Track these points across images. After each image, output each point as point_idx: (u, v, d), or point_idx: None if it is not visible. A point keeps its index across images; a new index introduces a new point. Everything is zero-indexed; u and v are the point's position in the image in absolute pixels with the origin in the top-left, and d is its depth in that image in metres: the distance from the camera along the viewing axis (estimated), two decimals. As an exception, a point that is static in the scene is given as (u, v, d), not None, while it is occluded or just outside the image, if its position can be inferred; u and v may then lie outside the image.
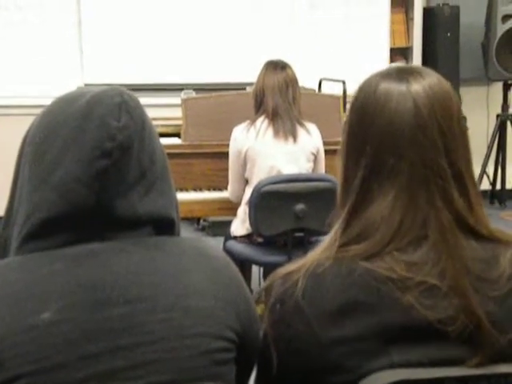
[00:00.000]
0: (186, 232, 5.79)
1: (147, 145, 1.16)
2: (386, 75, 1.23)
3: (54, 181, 1.11)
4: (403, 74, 1.22)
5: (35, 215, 1.11)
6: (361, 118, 1.22)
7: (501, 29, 6.37)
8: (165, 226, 1.19)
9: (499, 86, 6.66)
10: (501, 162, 6.70)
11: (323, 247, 1.21)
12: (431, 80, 1.21)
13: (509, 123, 6.56)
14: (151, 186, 1.16)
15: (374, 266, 1.13)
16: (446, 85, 1.23)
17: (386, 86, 1.20)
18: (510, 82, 6.56)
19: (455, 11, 6.50)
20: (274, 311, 1.19)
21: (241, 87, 4.93)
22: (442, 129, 1.18)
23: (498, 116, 6.59)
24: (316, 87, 5.01)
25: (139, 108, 1.17)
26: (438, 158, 1.17)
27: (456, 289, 1.13)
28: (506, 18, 6.37)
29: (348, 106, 1.32)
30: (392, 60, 6.69)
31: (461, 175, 1.19)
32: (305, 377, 1.17)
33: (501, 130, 6.59)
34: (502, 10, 6.36)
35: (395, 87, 1.20)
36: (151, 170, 1.16)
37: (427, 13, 6.67)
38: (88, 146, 1.10)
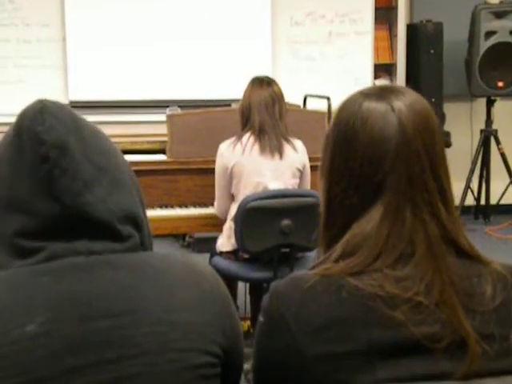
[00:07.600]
0: (172, 248, 5.77)
1: (93, 142, 1.17)
2: (367, 94, 1.25)
3: (15, 203, 1.12)
4: (384, 93, 1.25)
5: (9, 238, 1.12)
6: (344, 136, 1.23)
7: (484, 45, 6.43)
8: (133, 222, 1.19)
9: (483, 101, 6.71)
10: (485, 177, 6.74)
11: (312, 265, 1.22)
12: (411, 97, 1.24)
13: (492, 138, 6.61)
14: (116, 182, 1.17)
15: (362, 284, 1.14)
16: (426, 102, 1.26)
17: (369, 103, 1.23)
18: (493, 97, 6.61)
19: (439, 28, 6.55)
20: (260, 324, 1.20)
21: (226, 103, 4.95)
22: (426, 144, 1.20)
23: (481, 131, 6.64)
24: (301, 103, 5.03)
25: (65, 109, 1.18)
26: (423, 173, 1.19)
27: (443, 303, 1.13)
28: (488, 34, 6.43)
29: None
30: (376, 76, 6.73)
31: (444, 189, 1.22)
32: None
33: (485, 145, 6.64)
34: (485, 26, 6.41)
35: (378, 104, 1.22)
36: (110, 167, 1.17)
37: (411, 29, 6.72)
38: (27, 159, 1.12)
